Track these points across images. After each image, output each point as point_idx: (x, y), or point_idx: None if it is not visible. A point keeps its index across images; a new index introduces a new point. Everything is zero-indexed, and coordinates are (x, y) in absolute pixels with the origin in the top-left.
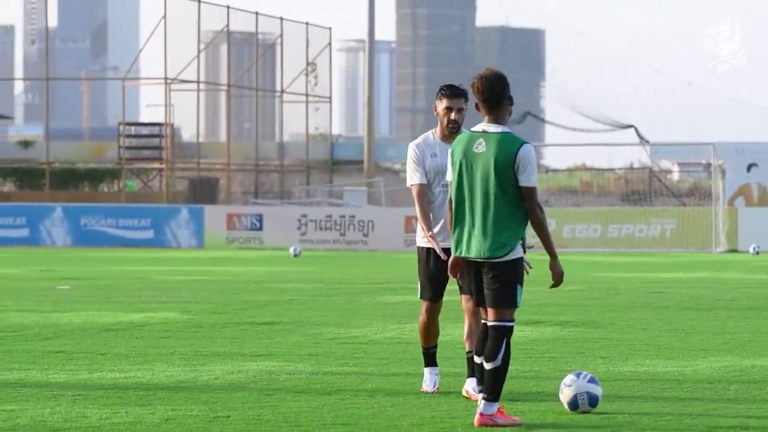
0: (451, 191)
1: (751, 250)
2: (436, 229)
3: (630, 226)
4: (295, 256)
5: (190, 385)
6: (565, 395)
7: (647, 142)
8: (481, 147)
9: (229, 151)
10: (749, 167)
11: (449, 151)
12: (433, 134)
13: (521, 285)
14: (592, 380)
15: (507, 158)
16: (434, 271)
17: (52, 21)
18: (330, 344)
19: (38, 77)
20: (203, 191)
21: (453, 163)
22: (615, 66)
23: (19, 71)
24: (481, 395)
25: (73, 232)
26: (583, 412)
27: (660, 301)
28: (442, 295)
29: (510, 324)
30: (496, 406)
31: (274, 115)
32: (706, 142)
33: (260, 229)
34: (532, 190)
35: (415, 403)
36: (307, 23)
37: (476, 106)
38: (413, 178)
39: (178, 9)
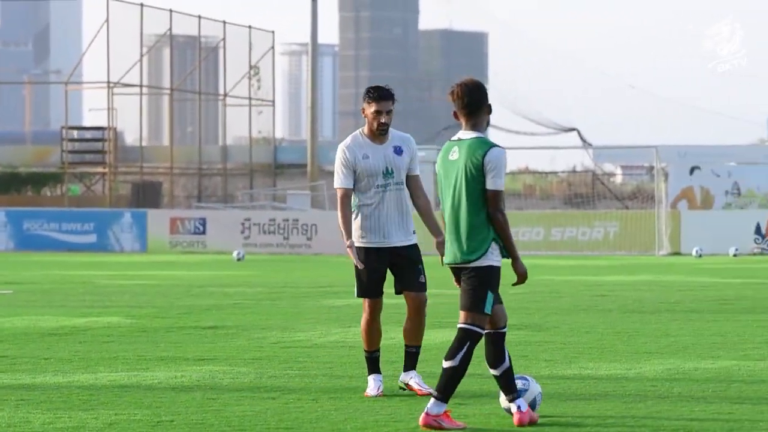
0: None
1: (693, 252)
2: (379, 226)
3: (573, 229)
4: (239, 260)
5: (133, 390)
6: (525, 399)
7: (590, 145)
8: (455, 155)
9: (172, 155)
10: (692, 170)
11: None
12: (362, 134)
13: (493, 293)
14: (535, 381)
15: (477, 162)
16: (371, 269)
17: None
18: (274, 348)
19: None
20: (146, 195)
21: (437, 175)
22: (559, 69)
23: None
24: (511, 399)
25: (16, 236)
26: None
27: (603, 304)
28: (381, 292)
29: (477, 330)
30: (444, 408)
31: (217, 118)
32: (649, 145)
33: (203, 233)
34: (495, 194)
35: (359, 407)
36: (249, 27)
37: (454, 114)
38: (339, 181)
39: (121, 13)
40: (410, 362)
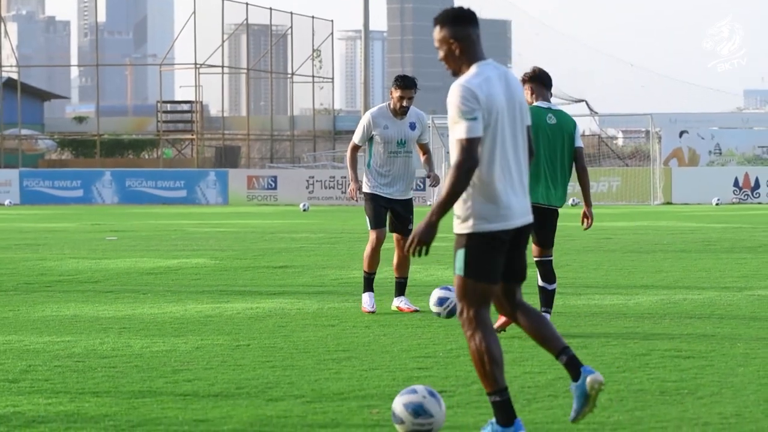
0: None
1: (713, 201)
2: (387, 181)
3: None
4: (304, 210)
5: (216, 319)
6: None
7: (596, 113)
8: (552, 119)
9: (248, 124)
10: (681, 134)
11: None
12: (387, 108)
13: None
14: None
15: (572, 129)
16: (381, 207)
17: (101, 17)
18: (333, 284)
19: (90, 64)
20: (227, 157)
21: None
22: (571, 50)
23: (74, 59)
24: (545, 311)
25: (120, 192)
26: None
27: (608, 246)
28: (386, 225)
29: None
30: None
31: (286, 93)
32: (646, 113)
33: (275, 188)
34: (583, 149)
35: (404, 333)
36: (312, 17)
37: (531, 89)
38: (355, 137)
39: (206, 5)
40: (400, 290)
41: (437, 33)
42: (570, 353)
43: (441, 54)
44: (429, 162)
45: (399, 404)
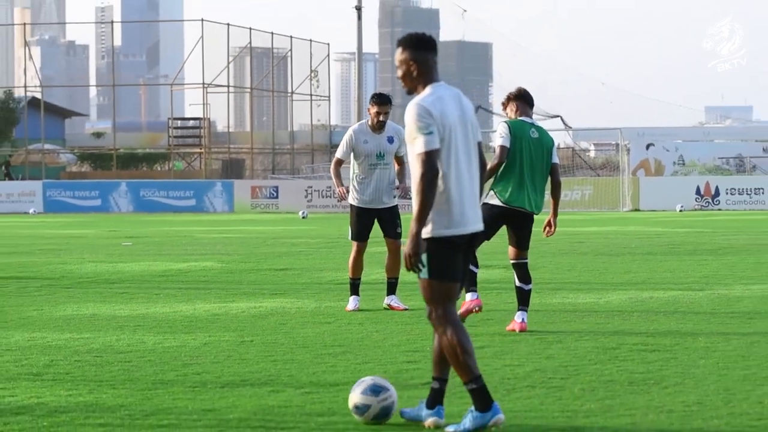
0: (506, 155)
1: (677, 208)
2: (368, 190)
3: None
4: (303, 218)
5: (223, 317)
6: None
7: (570, 127)
8: (535, 134)
9: (252, 138)
10: (647, 146)
11: (505, 128)
12: (367, 124)
13: None
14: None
15: (551, 144)
16: (364, 221)
17: (117, 41)
18: (329, 285)
19: (107, 84)
20: (233, 169)
21: (514, 138)
22: (547, 69)
23: (93, 80)
24: (522, 309)
25: (135, 201)
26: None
27: (580, 249)
28: (367, 238)
29: None
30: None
31: (286, 110)
32: (615, 127)
33: (276, 197)
34: (558, 166)
35: (394, 329)
36: (310, 40)
37: (516, 106)
38: (339, 152)
39: (213, 30)
40: (391, 289)
41: (399, 54)
42: (482, 383)
43: (399, 73)
44: (402, 173)
45: (356, 395)
